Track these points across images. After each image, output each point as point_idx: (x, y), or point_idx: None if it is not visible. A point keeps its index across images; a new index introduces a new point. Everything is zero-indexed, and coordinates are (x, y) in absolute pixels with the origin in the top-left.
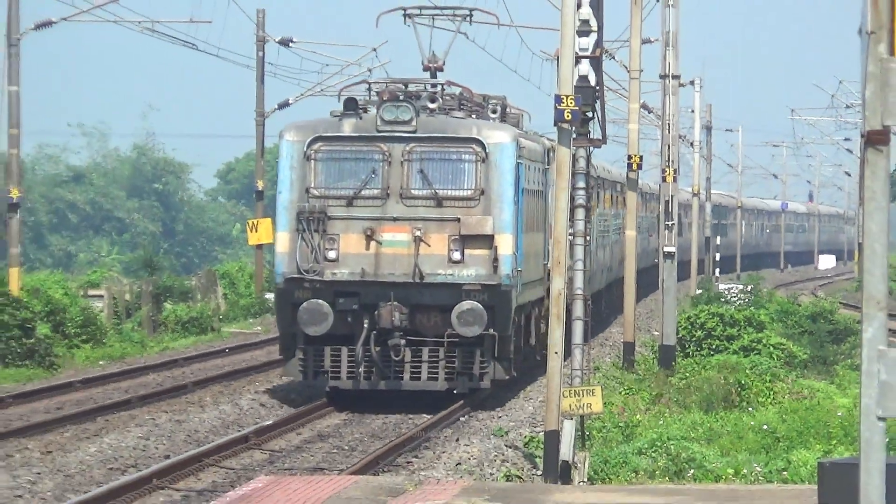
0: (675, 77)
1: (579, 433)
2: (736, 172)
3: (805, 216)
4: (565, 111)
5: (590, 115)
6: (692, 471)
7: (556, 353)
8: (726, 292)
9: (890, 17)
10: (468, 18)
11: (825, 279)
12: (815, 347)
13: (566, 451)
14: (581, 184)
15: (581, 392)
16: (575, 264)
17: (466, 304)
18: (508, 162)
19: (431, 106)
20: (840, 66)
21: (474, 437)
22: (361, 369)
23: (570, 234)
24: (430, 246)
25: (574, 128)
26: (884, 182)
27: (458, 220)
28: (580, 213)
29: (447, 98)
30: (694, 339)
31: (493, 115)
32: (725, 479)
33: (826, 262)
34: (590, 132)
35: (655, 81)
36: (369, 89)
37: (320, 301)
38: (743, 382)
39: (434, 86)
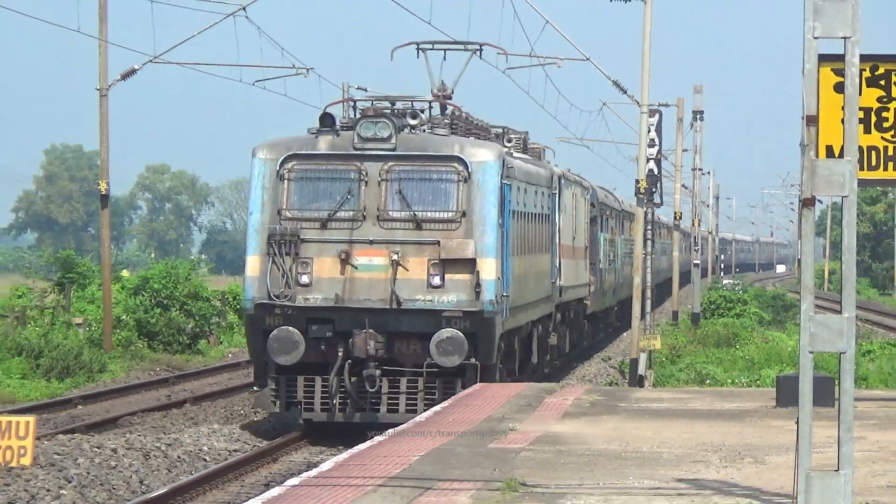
0: (700, 169)
1: (648, 360)
2: (731, 221)
3: (769, 244)
4: (640, 188)
5: (654, 190)
6: (708, 381)
7: (636, 317)
8: (727, 285)
9: (816, 138)
10: (478, 52)
11: (780, 278)
12: (775, 314)
13: (642, 369)
14: (649, 227)
15: (649, 337)
16: (645, 269)
17: (446, 333)
18: (492, 182)
19: (412, 122)
20: (789, 162)
21: (592, 362)
22: (336, 401)
23: (644, 253)
24: (408, 270)
25: (645, 197)
26: (812, 226)
27: (438, 243)
28: (648, 244)
29: (438, 118)
30: (709, 309)
31: (508, 145)
32: (726, 384)
33: (780, 268)
34: (653, 199)
35: (689, 171)
36: (354, 107)
37: (291, 329)
38: (736, 333)
39: (443, 107)
